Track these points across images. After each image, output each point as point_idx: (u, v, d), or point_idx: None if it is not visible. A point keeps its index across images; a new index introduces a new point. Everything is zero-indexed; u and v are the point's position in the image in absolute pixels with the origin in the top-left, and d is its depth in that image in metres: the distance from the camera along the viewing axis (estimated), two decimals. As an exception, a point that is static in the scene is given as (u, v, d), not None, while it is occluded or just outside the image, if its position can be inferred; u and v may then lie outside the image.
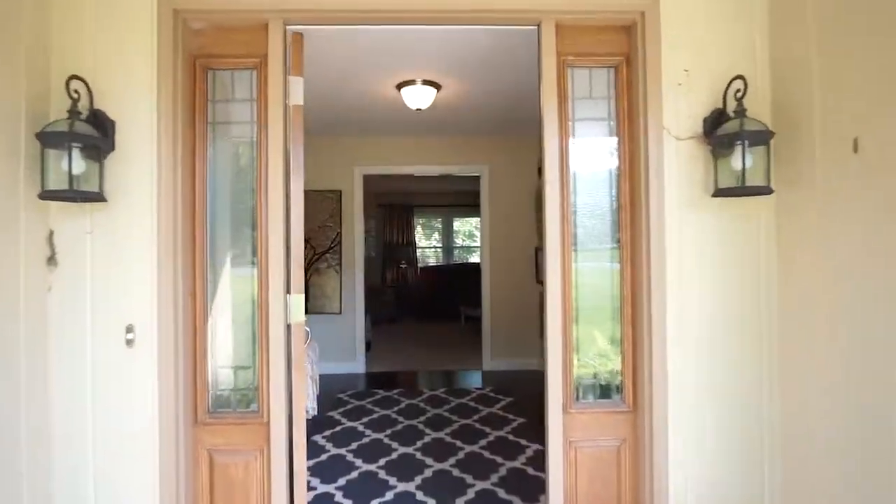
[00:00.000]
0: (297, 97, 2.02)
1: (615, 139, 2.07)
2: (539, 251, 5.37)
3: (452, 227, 10.94)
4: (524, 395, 4.77)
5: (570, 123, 2.06)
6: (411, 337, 7.93)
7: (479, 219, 11.04)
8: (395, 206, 10.56)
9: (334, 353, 5.73)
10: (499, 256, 5.85)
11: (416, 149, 5.80)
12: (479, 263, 10.52)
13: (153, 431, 1.82)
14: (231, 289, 2.04)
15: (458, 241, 11.01)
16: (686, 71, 1.94)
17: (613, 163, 2.09)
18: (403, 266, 10.40)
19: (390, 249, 10.55)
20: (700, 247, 1.94)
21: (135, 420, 1.83)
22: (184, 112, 1.91)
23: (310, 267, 5.71)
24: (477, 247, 10.96)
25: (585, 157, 2.12)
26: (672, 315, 1.92)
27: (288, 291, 2.01)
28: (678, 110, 1.94)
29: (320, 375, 5.27)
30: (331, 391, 4.93)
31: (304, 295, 2.04)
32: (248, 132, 2.01)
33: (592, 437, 2.03)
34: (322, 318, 5.73)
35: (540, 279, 5.45)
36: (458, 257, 10.99)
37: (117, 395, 1.83)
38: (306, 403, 3.76)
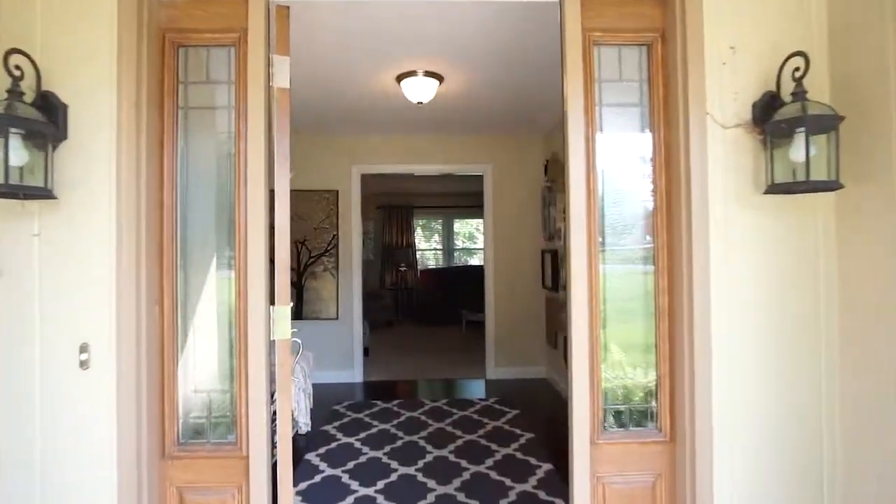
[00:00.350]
0: (282, 79, 1.76)
1: (648, 128, 1.81)
2: (546, 254, 5.11)
3: (453, 228, 10.67)
4: (531, 407, 4.50)
5: (596, 109, 1.79)
6: (411, 342, 7.66)
7: (480, 220, 10.81)
8: (394, 208, 10.30)
9: (331, 360, 5.46)
10: (503, 260, 5.58)
11: (416, 147, 5.54)
12: (480, 266, 10.27)
13: (111, 468, 1.55)
14: (206, 300, 1.77)
15: (459, 242, 10.75)
16: (732, 48, 1.68)
17: (646, 155, 1.82)
18: (403, 269, 10.13)
19: (389, 252, 10.28)
20: (749, 251, 1.67)
21: (92, 455, 1.56)
22: (150, 95, 1.64)
23: (305, 270, 5.44)
24: (478, 249, 10.69)
25: (614, 148, 1.85)
26: (717, 330, 1.65)
27: (272, 302, 1.74)
28: (723, 94, 1.67)
29: (315, 385, 5.00)
30: (326, 402, 4.66)
31: (290, 307, 1.77)
32: (225, 119, 1.74)
33: (623, 471, 1.76)
34: (318, 324, 5.46)
35: (547, 284, 5.19)
36: (458, 259, 10.72)
37: (70, 428, 1.56)
38: (299, 419, 3.49)
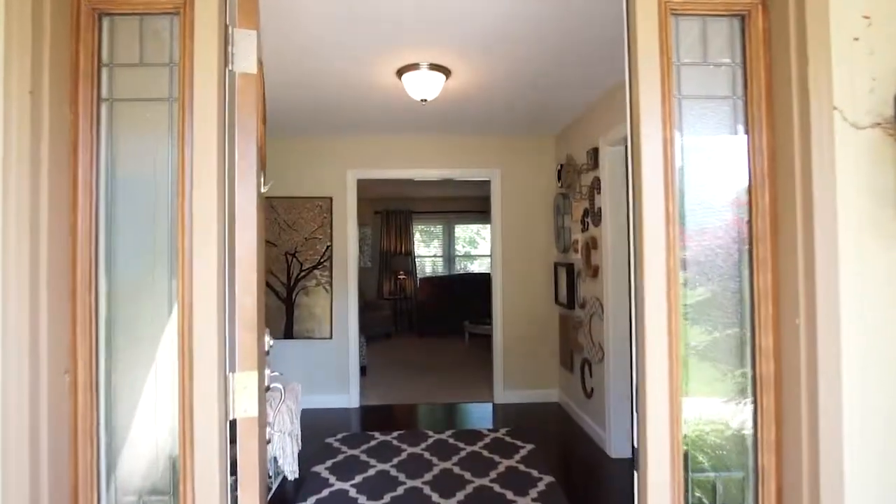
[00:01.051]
0: (246, 61, 1.28)
1: (743, 128, 1.34)
2: (559, 267, 4.65)
3: (454, 234, 10.20)
4: (547, 440, 4.03)
5: (675, 102, 1.32)
6: (411, 357, 7.18)
7: (481, 225, 10.36)
8: (392, 213, 9.83)
9: (324, 384, 4.98)
10: (512, 272, 5.11)
11: (417, 149, 5.07)
12: (483, 273, 9.80)
13: None
14: (141, 363, 1.29)
15: (460, 247, 10.27)
16: (866, 18, 1.22)
17: (741, 165, 1.35)
18: (402, 277, 9.66)
19: (388, 259, 9.81)
20: (893, 303, 1.20)
21: None
22: (56, 82, 1.17)
23: (296, 285, 4.96)
24: (479, 255, 10.22)
25: (696, 155, 1.37)
26: (849, 414, 1.18)
27: (232, 368, 1.27)
28: (855, 82, 1.21)
29: (308, 411, 4.52)
30: (318, 433, 4.18)
31: (257, 372, 1.30)
32: (166, 115, 1.27)
33: None
34: (310, 344, 4.98)
35: (561, 300, 4.72)
36: (459, 265, 10.25)
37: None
38: (284, 467, 3.02)
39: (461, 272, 10.05)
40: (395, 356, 7.26)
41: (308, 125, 4.56)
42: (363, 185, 7.97)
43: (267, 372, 1.86)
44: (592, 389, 4.09)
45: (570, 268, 4.49)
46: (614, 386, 3.70)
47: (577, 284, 4.41)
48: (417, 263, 10.09)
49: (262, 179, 1.47)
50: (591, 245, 3.96)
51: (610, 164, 3.71)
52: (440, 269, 10.22)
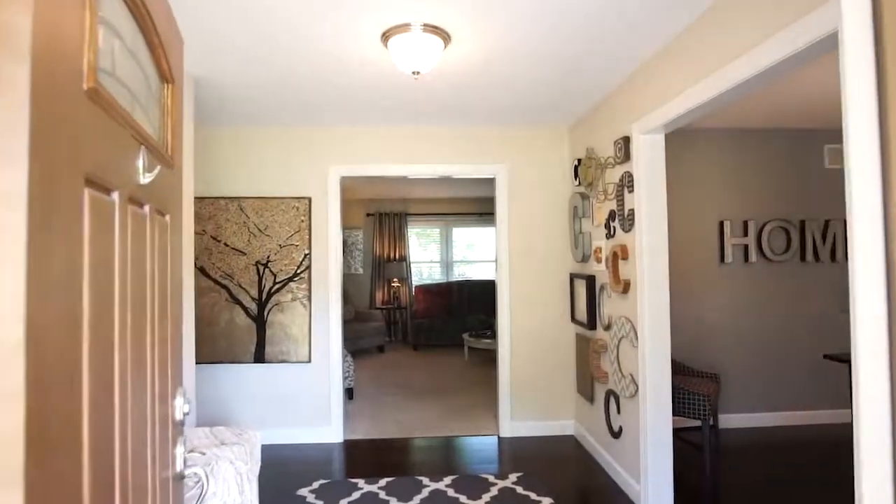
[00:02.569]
0: None
1: None
2: (576, 280, 3.95)
3: (452, 238, 9.51)
4: (567, 492, 3.32)
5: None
6: (405, 375, 6.46)
7: (481, 228, 9.67)
8: (385, 216, 9.13)
9: (302, 416, 4.27)
10: (520, 284, 4.41)
11: (410, 143, 4.38)
12: (483, 280, 9.12)
13: None
14: None
15: (458, 253, 9.57)
16: None
17: None
18: (396, 285, 8.95)
19: (381, 266, 9.11)
20: None
21: None
22: None
23: (268, 300, 4.25)
24: (478, 261, 9.53)
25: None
26: None
27: None
28: None
29: (282, 446, 3.82)
30: (290, 481, 3.47)
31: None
32: None
33: None
34: (285, 369, 4.27)
35: (578, 318, 4.02)
36: (457, 271, 9.54)
37: None
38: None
39: (460, 279, 9.35)
40: (387, 375, 6.54)
41: (280, 112, 3.86)
42: (351, 184, 7.27)
43: (179, 450, 1.25)
44: (621, 429, 3.39)
45: (590, 281, 3.79)
46: (653, 429, 3.00)
47: (599, 301, 3.71)
48: (413, 269, 9.39)
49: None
50: (621, 254, 3.26)
51: (647, 156, 3.02)
52: (437, 276, 9.51)
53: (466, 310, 8.76)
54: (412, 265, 9.40)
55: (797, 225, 4.56)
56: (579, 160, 4.10)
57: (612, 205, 3.46)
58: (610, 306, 3.53)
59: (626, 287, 3.23)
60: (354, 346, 7.54)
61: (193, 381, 2.96)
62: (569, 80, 3.25)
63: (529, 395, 4.39)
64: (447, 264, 9.50)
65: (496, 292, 4.48)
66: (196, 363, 4.21)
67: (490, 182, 7.47)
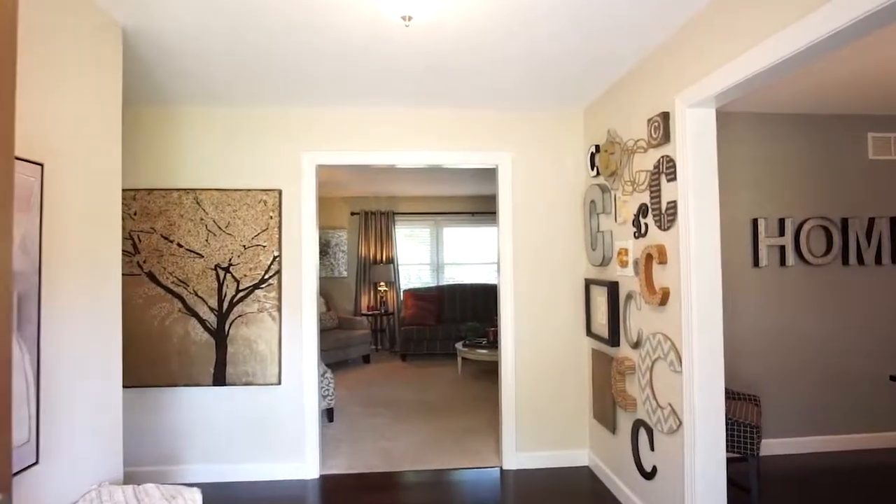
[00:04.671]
0: None
1: None
2: (593, 286, 3.35)
3: (443, 239, 8.88)
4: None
5: None
6: (391, 391, 5.82)
7: (473, 229, 9.05)
8: (371, 215, 8.48)
9: (269, 448, 3.61)
10: (526, 291, 3.80)
11: (398, 126, 3.75)
12: (476, 284, 8.49)
13: None
14: None
15: (448, 253, 8.94)
16: None
17: None
18: (383, 289, 8.30)
19: (367, 268, 8.45)
20: None
21: None
22: None
23: (230, 311, 3.59)
24: (470, 263, 8.92)
25: None
26: None
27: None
28: None
29: (243, 485, 3.17)
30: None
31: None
32: None
33: None
34: (250, 392, 3.61)
35: (595, 331, 3.43)
36: (448, 274, 8.92)
37: None
38: None
39: (451, 283, 8.73)
40: (372, 391, 5.89)
41: (241, 85, 3.21)
42: (334, 179, 6.55)
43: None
44: (655, 469, 2.79)
45: (612, 288, 3.20)
46: (702, 475, 2.41)
47: (625, 313, 3.12)
48: (401, 272, 8.75)
49: None
50: (657, 257, 2.67)
51: (694, 135, 2.42)
52: (427, 279, 8.88)
53: (459, 317, 8.14)
54: (400, 267, 8.75)
55: (838, 224, 4.01)
56: (597, 146, 3.51)
57: (643, 197, 2.86)
58: (640, 320, 2.94)
59: (663, 298, 2.63)
60: (337, 357, 6.88)
61: (119, 410, 2.30)
62: (593, 45, 2.65)
63: (537, 421, 3.78)
64: (437, 267, 8.87)
65: (498, 300, 3.87)
66: (142, 387, 3.53)
67: (485, 177, 6.86)
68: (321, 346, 6.70)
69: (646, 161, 2.84)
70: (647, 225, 2.84)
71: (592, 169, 3.59)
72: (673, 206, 2.56)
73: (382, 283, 8.32)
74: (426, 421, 4.77)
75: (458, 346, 6.59)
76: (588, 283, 3.62)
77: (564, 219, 3.82)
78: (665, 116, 2.60)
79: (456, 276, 8.92)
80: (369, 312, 8.19)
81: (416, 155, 3.74)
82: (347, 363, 7.32)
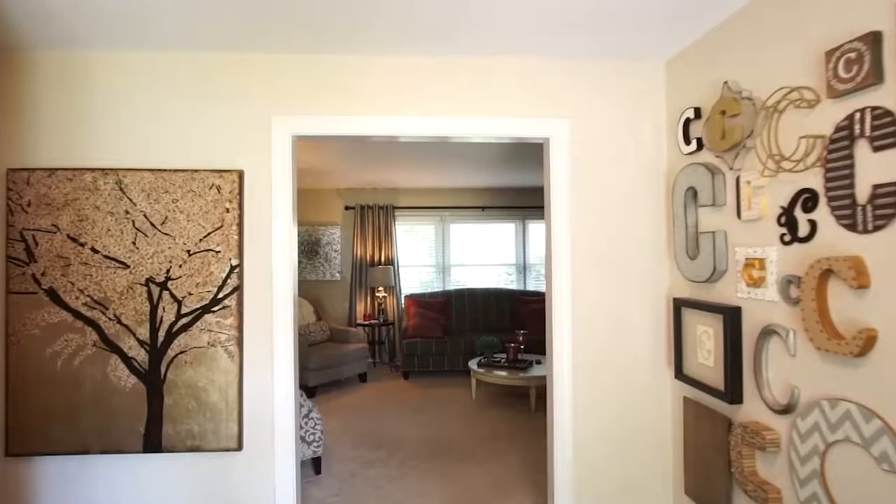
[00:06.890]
0: None
1: None
2: (686, 311, 2.28)
3: (449, 237, 7.81)
4: None
5: None
6: (393, 424, 4.75)
7: (484, 225, 7.94)
8: (368, 209, 7.40)
9: (225, 541, 2.53)
10: (585, 311, 2.73)
11: (404, 82, 2.66)
12: (489, 289, 7.38)
13: None
14: None
15: (455, 253, 7.88)
16: None
17: None
18: (381, 294, 7.23)
19: (363, 271, 7.37)
20: None
21: None
22: None
23: (168, 345, 2.50)
24: (480, 265, 7.85)
25: None
26: None
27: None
28: None
29: None
30: None
31: None
32: None
33: None
34: (198, 461, 2.53)
35: (690, 373, 2.38)
36: (454, 276, 7.86)
37: None
38: None
39: (460, 287, 7.67)
40: (369, 423, 4.82)
41: (185, 18, 2.11)
42: (321, 163, 5.29)
43: None
44: None
45: (730, 316, 2.13)
46: None
47: (759, 356, 2.05)
48: (402, 275, 7.67)
49: None
50: (846, 276, 1.60)
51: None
52: (431, 282, 7.81)
53: (469, 327, 7.09)
54: (401, 269, 7.68)
55: None
56: (696, 110, 2.44)
57: (807, 179, 1.80)
58: (794, 372, 1.87)
59: (864, 346, 1.57)
60: (329, 376, 5.81)
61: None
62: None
63: (603, 493, 2.72)
64: (443, 269, 7.80)
65: (547, 319, 2.81)
66: (35, 454, 2.45)
67: (499, 165, 5.76)
68: (308, 365, 5.61)
69: (814, 121, 1.77)
70: (814, 223, 1.78)
71: (688, 143, 2.52)
72: (886, 192, 1.50)
73: (381, 288, 7.24)
74: (440, 473, 3.71)
75: (473, 365, 5.52)
76: (679, 305, 2.55)
77: (641, 213, 2.74)
78: (874, 39, 1.53)
79: (464, 279, 7.85)
80: (366, 322, 7.11)
81: (428, 123, 2.65)
82: (340, 383, 6.25)
